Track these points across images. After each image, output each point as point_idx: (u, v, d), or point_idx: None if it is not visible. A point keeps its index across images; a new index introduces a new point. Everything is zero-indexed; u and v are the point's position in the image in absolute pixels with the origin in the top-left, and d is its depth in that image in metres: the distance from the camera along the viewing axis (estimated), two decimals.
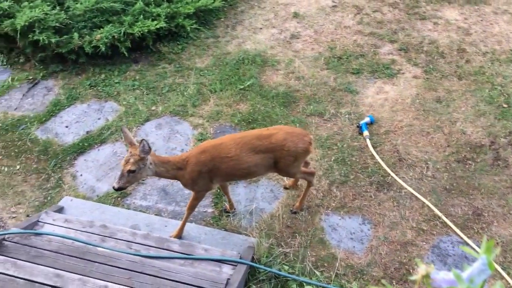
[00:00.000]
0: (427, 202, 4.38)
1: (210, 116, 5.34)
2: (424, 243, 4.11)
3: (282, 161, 3.79)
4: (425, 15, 6.74)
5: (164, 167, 3.61)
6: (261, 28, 6.64)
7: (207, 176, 3.72)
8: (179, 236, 3.98)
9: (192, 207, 3.96)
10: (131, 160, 3.37)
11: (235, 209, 4.40)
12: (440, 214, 4.29)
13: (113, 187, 3.46)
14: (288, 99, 5.51)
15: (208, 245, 3.75)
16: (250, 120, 5.25)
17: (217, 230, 4.17)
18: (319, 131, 5.12)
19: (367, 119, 5.14)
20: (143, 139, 3.33)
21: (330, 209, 4.39)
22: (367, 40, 6.33)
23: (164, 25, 5.99)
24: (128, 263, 3.34)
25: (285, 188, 4.62)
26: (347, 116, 5.28)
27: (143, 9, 6.05)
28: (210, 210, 4.43)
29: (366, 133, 5.00)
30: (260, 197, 4.51)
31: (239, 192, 4.55)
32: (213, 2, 6.44)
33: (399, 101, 5.46)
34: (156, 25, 5.90)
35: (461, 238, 4.12)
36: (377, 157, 4.79)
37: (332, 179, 4.64)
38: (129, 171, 3.38)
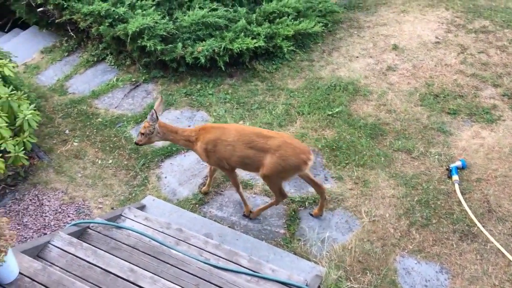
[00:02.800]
0: None
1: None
2: None
3: (269, 165, 3.84)
4: None
5: (172, 136, 4.21)
6: (357, 57, 6.59)
7: (214, 155, 4.05)
8: (249, 210, 4.50)
9: (234, 184, 4.44)
10: (145, 124, 4.13)
11: (207, 193, 4.76)
12: None
13: (134, 142, 4.34)
14: (376, 131, 5.39)
15: (276, 266, 3.74)
16: (334, 147, 5.19)
17: (287, 252, 4.14)
18: (405, 168, 4.94)
19: (458, 163, 4.87)
20: (153, 108, 4.05)
21: (406, 251, 4.20)
22: (469, 81, 6.04)
23: (263, 44, 6.16)
24: (198, 270, 3.41)
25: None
26: (436, 157, 5.05)
27: (245, 27, 6.27)
28: (282, 231, 4.42)
29: (455, 177, 4.74)
30: (334, 226, 4.43)
31: (313, 218, 4.50)
32: (313, 27, 6.52)
33: (496, 148, 5.12)
34: (255, 43, 6.08)
35: None
36: (464, 204, 4.52)
37: (412, 220, 4.44)
38: (141, 133, 4.16)
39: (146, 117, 4.33)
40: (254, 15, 6.55)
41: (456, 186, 4.68)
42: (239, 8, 6.62)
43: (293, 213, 4.54)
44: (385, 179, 4.85)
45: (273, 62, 6.51)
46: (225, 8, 6.51)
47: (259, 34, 6.24)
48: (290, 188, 4.79)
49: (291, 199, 4.65)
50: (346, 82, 6.10)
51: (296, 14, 6.66)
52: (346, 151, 5.15)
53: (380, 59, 6.51)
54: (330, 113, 5.63)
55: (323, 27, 6.76)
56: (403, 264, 4.11)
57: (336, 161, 5.06)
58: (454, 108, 5.63)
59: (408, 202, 4.61)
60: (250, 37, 6.18)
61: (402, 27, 7.10)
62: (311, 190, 4.75)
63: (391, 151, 5.15)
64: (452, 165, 4.86)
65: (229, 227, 4.41)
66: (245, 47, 6.06)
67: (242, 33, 6.20)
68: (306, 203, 4.63)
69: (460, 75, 6.15)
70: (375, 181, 4.83)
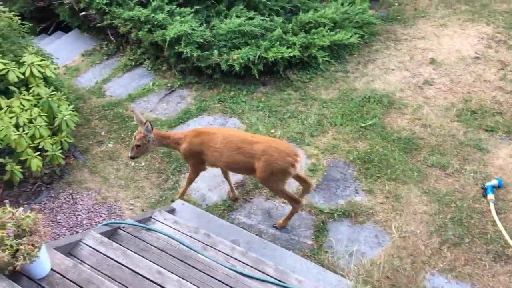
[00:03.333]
0: None
1: (326, 148, 5.33)
2: None
3: (259, 170, 3.97)
4: None
5: (165, 141, 4.36)
6: (393, 69, 6.51)
7: (199, 157, 4.24)
8: (181, 198, 4.66)
9: (189, 180, 4.59)
10: (138, 137, 4.20)
11: (237, 198, 4.79)
12: None
13: (129, 156, 4.41)
14: (409, 145, 5.30)
15: (302, 277, 3.71)
16: (366, 159, 5.13)
17: (313, 264, 4.10)
18: (439, 184, 4.84)
19: (494, 182, 4.73)
20: (147, 121, 4.12)
21: (437, 269, 4.10)
22: (508, 98, 5.87)
23: (298, 54, 6.17)
24: (224, 276, 3.42)
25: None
26: (472, 174, 4.92)
27: (281, 36, 6.29)
28: (309, 242, 4.39)
29: (491, 196, 4.60)
30: (363, 240, 4.37)
31: (342, 230, 4.46)
32: (349, 38, 6.48)
33: None
34: (290, 52, 6.10)
35: None
36: (499, 224, 4.38)
37: (444, 238, 4.34)
38: (136, 146, 4.24)
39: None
40: (290, 25, 6.58)
41: (491, 205, 4.55)
42: (275, 18, 6.66)
43: (321, 224, 4.50)
44: (417, 195, 4.75)
45: (307, 72, 6.50)
46: (262, 17, 6.56)
47: (294, 44, 6.25)
48: (319, 199, 4.76)
49: (320, 210, 4.62)
50: (381, 94, 6.03)
51: (332, 24, 6.64)
52: (378, 164, 5.08)
53: (416, 73, 6.41)
54: (363, 125, 5.57)
55: (359, 39, 6.72)
56: (433, 283, 4.01)
57: (368, 174, 5.00)
58: (491, 125, 5.48)
59: (441, 219, 4.51)
60: (285, 47, 6.20)
61: (441, 41, 6.98)
62: (340, 201, 4.72)
63: (424, 166, 5.05)
64: (487, 184, 4.72)
65: (256, 235, 4.41)
66: (280, 56, 6.08)
67: (278, 42, 6.23)
68: (335, 215, 4.59)
69: (499, 91, 5.99)
70: (407, 196, 4.74)
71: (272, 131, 5.60)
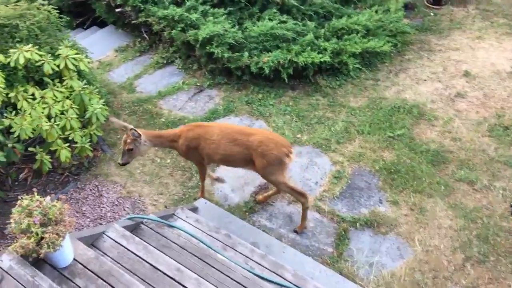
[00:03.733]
0: None
1: (351, 156, 5.28)
2: None
3: (256, 161, 4.04)
4: None
5: (159, 141, 4.30)
6: (425, 80, 6.40)
7: (197, 152, 4.21)
8: (201, 195, 4.71)
9: (201, 178, 4.61)
10: (128, 141, 4.07)
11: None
12: None
13: (118, 163, 4.27)
14: (438, 158, 5.20)
15: (320, 284, 3.67)
16: (392, 170, 5.06)
17: (332, 271, 4.06)
18: (466, 200, 4.73)
19: None
20: (132, 128, 4.04)
21: (459, 286, 4.01)
22: None
23: (328, 59, 6.13)
24: (241, 278, 3.42)
25: (255, 201, 4.81)
26: (501, 191, 4.80)
27: (312, 41, 6.27)
28: (330, 249, 4.35)
29: None
30: (385, 251, 4.30)
31: (363, 239, 4.40)
32: (381, 46, 6.41)
33: None
34: (320, 58, 6.07)
35: None
36: None
37: (468, 254, 4.23)
38: (128, 149, 4.10)
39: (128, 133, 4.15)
40: (322, 30, 6.54)
41: None
42: (308, 22, 6.64)
43: (343, 232, 4.46)
44: (443, 209, 4.66)
45: (337, 78, 6.46)
46: (294, 21, 6.55)
47: (325, 49, 6.22)
48: (342, 207, 4.72)
49: (342, 218, 4.58)
50: (411, 105, 5.94)
51: (365, 32, 6.57)
52: (405, 175, 5.00)
53: (449, 85, 6.29)
54: (391, 135, 5.50)
55: (392, 47, 6.63)
56: None
57: (393, 184, 4.92)
58: None
59: (466, 235, 4.40)
60: (316, 52, 6.18)
61: (476, 53, 6.83)
62: (363, 211, 4.66)
63: (452, 180, 4.95)
64: None
65: (276, 238, 4.39)
66: (310, 61, 6.06)
67: (309, 47, 6.20)
68: (358, 224, 4.54)
69: None
70: (432, 210, 4.65)
71: (298, 135, 5.59)
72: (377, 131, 5.57)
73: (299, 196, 4.29)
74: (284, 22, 6.50)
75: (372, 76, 6.52)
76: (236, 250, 3.89)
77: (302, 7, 6.81)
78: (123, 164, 4.26)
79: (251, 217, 4.68)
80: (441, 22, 7.61)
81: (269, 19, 6.49)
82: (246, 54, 6.16)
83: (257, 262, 3.77)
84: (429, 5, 7.94)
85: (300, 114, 5.91)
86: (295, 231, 4.51)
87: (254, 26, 6.42)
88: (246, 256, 3.83)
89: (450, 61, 6.72)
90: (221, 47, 6.14)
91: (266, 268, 3.73)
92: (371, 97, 6.15)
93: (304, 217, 4.46)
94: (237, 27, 6.48)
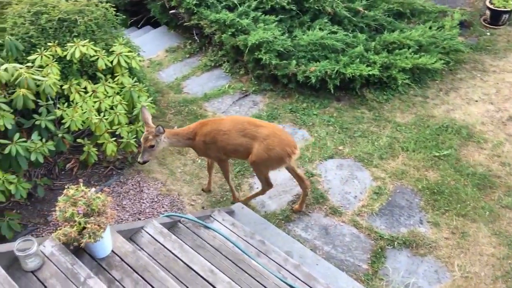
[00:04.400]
0: None
1: (393, 173, 5.17)
2: None
3: (256, 151, 4.08)
4: None
5: (176, 138, 4.25)
6: (476, 101, 6.20)
7: (215, 146, 4.21)
8: (236, 198, 4.76)
9: (226, 176, 4.62)
10: (150, 137, 4.03)
11: (210, 191, 4.97)
12: None
13: (138, 162, 4.15)
14: (484, 182, 5.01)
15: None
16: (435, 190, 4.92)
17: None
18: (511, 228, 4.53)
19: None
20: (159, 125, 4.02)
21: None
22: None
23: (377, 73, 6.04)
24: (274, 286, 3.41)
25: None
26: None
27: (362, 53, 6.20)
28: (364, 266, 4.26)
29: None
30: (422, 273, 4.18)
31: (400, 259, 4.29)
32: (433, 63, 6.25)
33: None
34: (369, 71, 5.98)
35: None
36: None
37: (510, 285, 4.05)
38: (150, 146, 4.04)
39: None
40: (373, 43, 6.46)
41: None
42: (359, 34, 6.58)
43: (379, 250, 4.36)
44: (486, 235, 4.48)
45: (385, 92, 6.35)
46: (345, 33, 6.50)
47: (375, 63, 6.13)
48: (381, 224, 4.62)
49: (379, 235, 4.48)
50: (460, 125, 5.76)
51: (417, 47, 6.44)
52: (448, 197, 4.85)
53: (502, 107, 6.06)
54: (436, 154, 5.35)
55: (444, 65, 6.45)
56: None
57: (435, 205, 4.78)
58: None
59: (509, 265, 4.21)
60: (365, 64, 6.10)
61: None
62: (403, 230, 4.55)
63: (498, 206, 4.76)
64: None
65: (311, 249, 4.35)
66: (358, 74, 5.99)
67: (358, 59, 6.14)
68: (395, 242, 4.43)
69: None
70: (474, 235, 4.48)
71: (340, 147, 5.52)
72: (422, 150, 5.43)
73: (266, 185, 4.45)
74: (335, 32, 6.46)
75: (421, 93, 6.37)
76: (269, 258, 3.88)
77: (354, 18, 6.76)
78: (144, 163, 4.19)
79: (287, 226, 4.66)
80: (498, 43, 7.35)
81: (320, 29, 6.47)
82: (293, 62, 6.16)
83: (290, 272, 3.74)
84: (486, 24, 7.69)
85: (344, 126, 5.85)
86: (232, 203, 4.75)
87: (304, 34, 6.41)
88: (279, 265, 3.81)
89: (504, 83, 6.48)
90: (269, 53, 6.16)
91: (298, 278, 3.70)
92: (418, 114, 6.01)
93: (251, 198, 4.73)
94: (286, 34, 6.49)
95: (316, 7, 6.70)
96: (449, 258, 4.30)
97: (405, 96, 6.34)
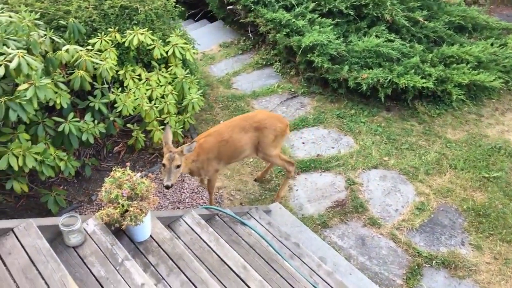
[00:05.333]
0: None
1: (439, 190, 5.01)
2: None
3: (263, 139, 4.25)
4: None
5: (184, 163, 3.84)
6: None
7: (215, 160, 4.17)
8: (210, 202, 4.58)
9: (211, 187, 4.45)
10: (176, 156, 3.65)
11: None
12: None
13: (166, 186, 3.63)
14: None
15: None
16: (481, 212, 4.74)
17: None
18: None
19: None
20: (194, 140, 3.77)
21: None
22: None
23: (431, 86, 5.87)
24: None
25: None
26: None
27: (417, 64, 6.04)
28: (399, 281, 4.16)
29: None
30: None
31: (437, 279, 4.16)
32: (491, 81, 6.02)
33: None
34: (423, 83, 5.83)
35: None
36: None
37: None
38: (177, 166, 3.66)
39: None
40: (430, 55, 6.29)
41: None
42: (416, 45, 6.42)
43: (416, 267, 4.25)
44: None
45: (437, 106, 6.17)
46: (402, 42, 6.36)
47: (430, 75, 5.97)
48: (420, 240, 4.50)
49: (418, 252, 4.36)
50: None
51: (476, 63, 6.22)
52: (494, 221, 4.66)
53: None
54: (486, 175, 5.15)
55: (502, 84, 6.21)
56: None
57: (480, 228, 4.61)
58: None
59: None
60: (419, 76, 5.94)
61: None
62: (442, 249, 4.42)
63: None
64: None
65: (345, 258, 4.29)
66: (411, 85, 5.84)
67: (413, 70, 5.99)
68: (434, 261, 4.30)
69: None
70: None
71: (385, 158, 5.41)
72: (471, 169, 5.25)
73: (289, 165, 4.61)
74: (391, 41, 6.34)
75: (475, 111, 6.15)
76: (302, 261, 3.86)
77: (412, 28, 6.61)
78: (171, 186, 3.68)
79: (323, 232, 4.61)
80: None
81: (376, 36, 6.37)
82: (346, 67, 6.08)
83: (322, 278, 3.71)
84: None
85: (391, 137, 5.73)
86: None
87: (359, 40, 6.33)
88: (312, 269, 3.78)
89: None
90: (322, 57, 6.12)
91: (330, 286, 3.66)
92: (470, 132, 5.80)
93: (283, 187, 4.86)
94: (341, 39, 6.43)
95: (375, 14, 6.60)
96: (488, 284, 4.14)
97: (459, 112, 6.14)
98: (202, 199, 4.88)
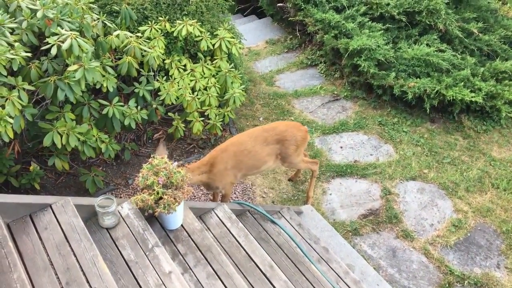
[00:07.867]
0: None
1: (478, 209, 4.84)
2: None
3: (285, 150, 4.21)
4: None
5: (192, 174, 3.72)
6: None
7: (232, 171, 4.03)
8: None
9: (226, 201, 4.26)
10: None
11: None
12: None
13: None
14: None
15: None
16: None
17: None
18: None
19: None
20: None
21: None
22: None
23: (480, 100, 5.66)
24: None
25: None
26: None
27: (468, 77, 5.84)
28: None
29: None
30: None
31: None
32: None
33: None
34: (472, 97, 5.63)
35: None
36: None
37: None
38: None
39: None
40: (481, 69, 6.06)
41: None
42: (468, 57, 6.21)
43: (447, 285, 4.13)
44: None
45: (485, 122, 5.95)
46: (453, 53, 6.17)
47: (480, 89, 5.76)
48: (454, 258, 4.36)
49: (450, 270, 4.23)
50: None
51: None
52: None
53: None
54: None
55: None
56: None
57: None
58: None
59: None
60: (469, 89, 5.74)
61: None
62: (476, 270, 4.27)
63: None
64: None
65: (374, 268, 4.21)
66: (459, 98, 5.65)
67: (462, 83, 5.79)
68: (466, 281, 4.16)
69: None
70: None
71: (425, 171, 5.27)
72: None
73: (313, 165, 4.65)
74: (442, 51, 6.16)
75: None
76: (330, 266, 3.81)
77: (466, 40, 6.40)
78: None
79: (353, 239, 4.55)
80: None
81: (427, 45, 6.20)
82: (393, 74, 5.95)
83: (348, 286, 3.66)
84: None
85: (433, 149, 5.57)
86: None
87: (409, 48, 6.18)
88: (339, 276, 3.73)
89: None
90: (369, 61, 6.01)
91: None
92: None
93: (311, 186, 4.79)
94: (390, 45, 6.29)
95: (428, 22, 6.42)
96: None
97: (507, 130, 5.91)
98: (234, 193, 4.90)
